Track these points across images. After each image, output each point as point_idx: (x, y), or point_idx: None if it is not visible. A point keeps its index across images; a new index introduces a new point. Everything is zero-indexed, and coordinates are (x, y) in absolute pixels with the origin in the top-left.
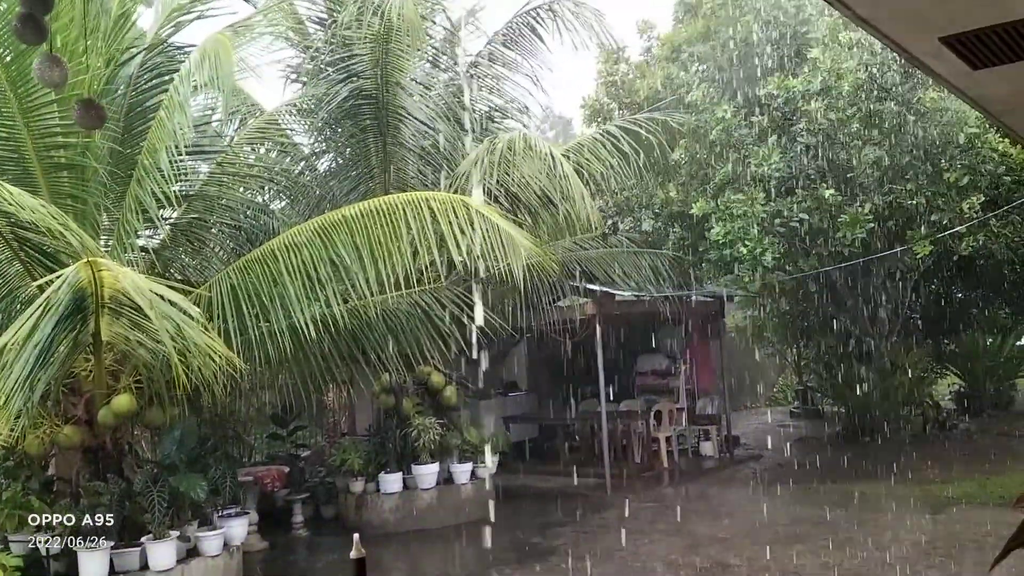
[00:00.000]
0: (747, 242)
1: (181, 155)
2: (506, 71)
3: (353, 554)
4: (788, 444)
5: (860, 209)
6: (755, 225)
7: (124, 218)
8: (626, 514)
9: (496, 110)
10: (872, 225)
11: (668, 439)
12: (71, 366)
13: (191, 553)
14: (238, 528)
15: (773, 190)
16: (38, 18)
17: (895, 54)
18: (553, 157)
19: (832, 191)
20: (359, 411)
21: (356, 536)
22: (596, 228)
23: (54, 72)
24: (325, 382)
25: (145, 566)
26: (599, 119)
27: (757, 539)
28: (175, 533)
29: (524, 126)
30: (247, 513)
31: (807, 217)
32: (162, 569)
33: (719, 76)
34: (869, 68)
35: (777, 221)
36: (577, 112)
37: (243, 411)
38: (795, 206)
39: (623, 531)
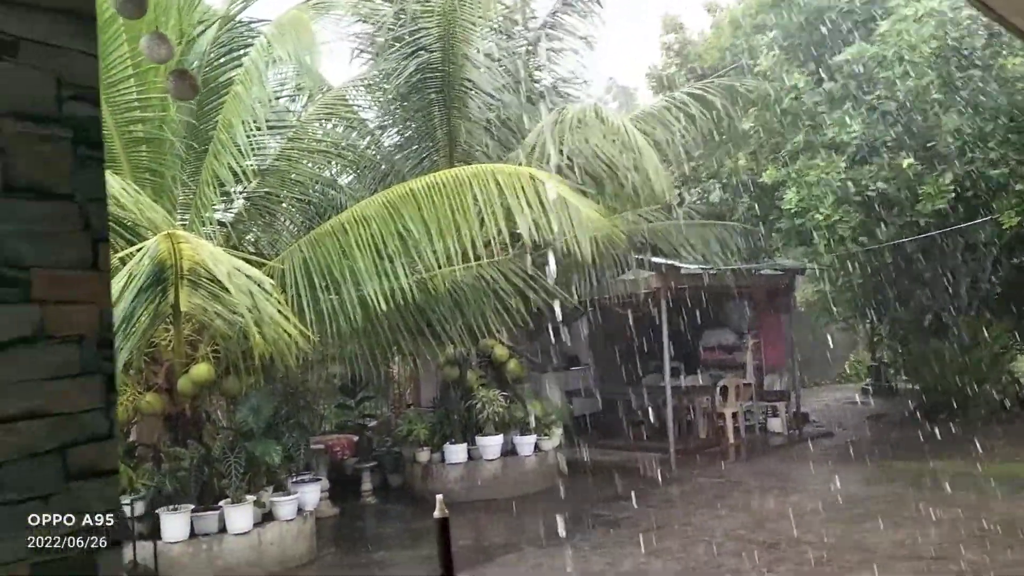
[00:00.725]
0: (822, 210)
1: (260, 129)
2: (572, 40)
3: (437, 514)
4: (860, 421)
5: (940, 179)
6: (831, 193)
7: (201, 191)
8: (691, 489)
9: (561, 80)
10: (953, 195)
11: (734, 415)
12: (152, 336)
13: (267, 517)
14: (311, 494)
15: (849, 158)
16: None
17: (975, 20)
18: (626, 129)
19: (911, 160)
20: (424, 383)
21: (440, 496)
22: (666, 199)
23: (161, 49)
24: (392, 354)
25: (223, 529)
26: (665, 89)
27: (828, 516)
28: (251, 498)
29: (587, 96)
30: (319, 480)
31: (884, 186)
32: (239, 532)
33: (787, 43)
34: (947, 34)
35: (853, 190)
36: (642, 81)
37: (314, 381)
38: (873, 175)
39: (689, 505)
